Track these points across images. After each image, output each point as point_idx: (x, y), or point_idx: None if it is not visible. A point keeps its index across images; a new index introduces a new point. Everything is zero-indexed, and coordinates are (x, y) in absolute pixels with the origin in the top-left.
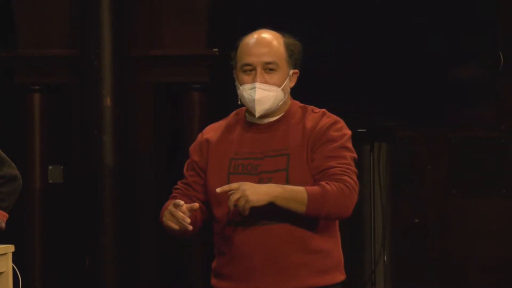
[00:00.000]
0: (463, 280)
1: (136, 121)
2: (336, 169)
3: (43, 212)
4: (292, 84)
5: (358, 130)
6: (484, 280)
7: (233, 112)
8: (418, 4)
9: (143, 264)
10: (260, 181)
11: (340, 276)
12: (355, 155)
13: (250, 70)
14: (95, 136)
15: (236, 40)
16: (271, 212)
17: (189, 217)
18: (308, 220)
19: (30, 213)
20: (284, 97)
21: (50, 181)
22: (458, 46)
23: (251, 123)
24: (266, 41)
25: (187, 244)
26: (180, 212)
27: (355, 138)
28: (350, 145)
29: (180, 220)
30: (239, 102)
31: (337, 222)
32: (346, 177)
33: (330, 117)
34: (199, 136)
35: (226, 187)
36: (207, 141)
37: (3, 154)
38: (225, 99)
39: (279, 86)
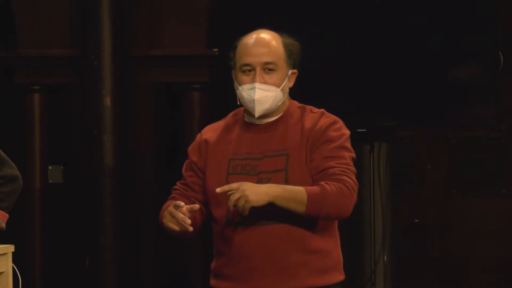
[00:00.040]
0: (463, 280)
1: (136, 121)
2: (335, 169)
3: (43, 212)
4: (291, 84)
5: (358, 130)
6: (484, 280)
7: (232, 113)
8: (418, 4)
9: (143, 264)
10: (260, 181)
11: (340, 276)
12: (354, 155)
13: (249, 71)
14: (95, 136)
15: (235, 40)
16: (270, 212)
17: (189, 218)
18: (307, 220)
19: (30, 213)
20: (283, 97)
21: (50, 181)
22: (458, 46)
23: (249, 123)
24: (265, 41)
25: (187, 245)
26: (180, 214)
27: (355, 138)
28: (349, 145)
29: (181, 221)
30: (238, 103)
31: (336, 222)
32: (345, 177)
33: (329, 117)
34: (198, 136)
35: (226, 187)
36: (206, 141)
37: (3, 154)
38: (225, 99)
39: (278, 86)
